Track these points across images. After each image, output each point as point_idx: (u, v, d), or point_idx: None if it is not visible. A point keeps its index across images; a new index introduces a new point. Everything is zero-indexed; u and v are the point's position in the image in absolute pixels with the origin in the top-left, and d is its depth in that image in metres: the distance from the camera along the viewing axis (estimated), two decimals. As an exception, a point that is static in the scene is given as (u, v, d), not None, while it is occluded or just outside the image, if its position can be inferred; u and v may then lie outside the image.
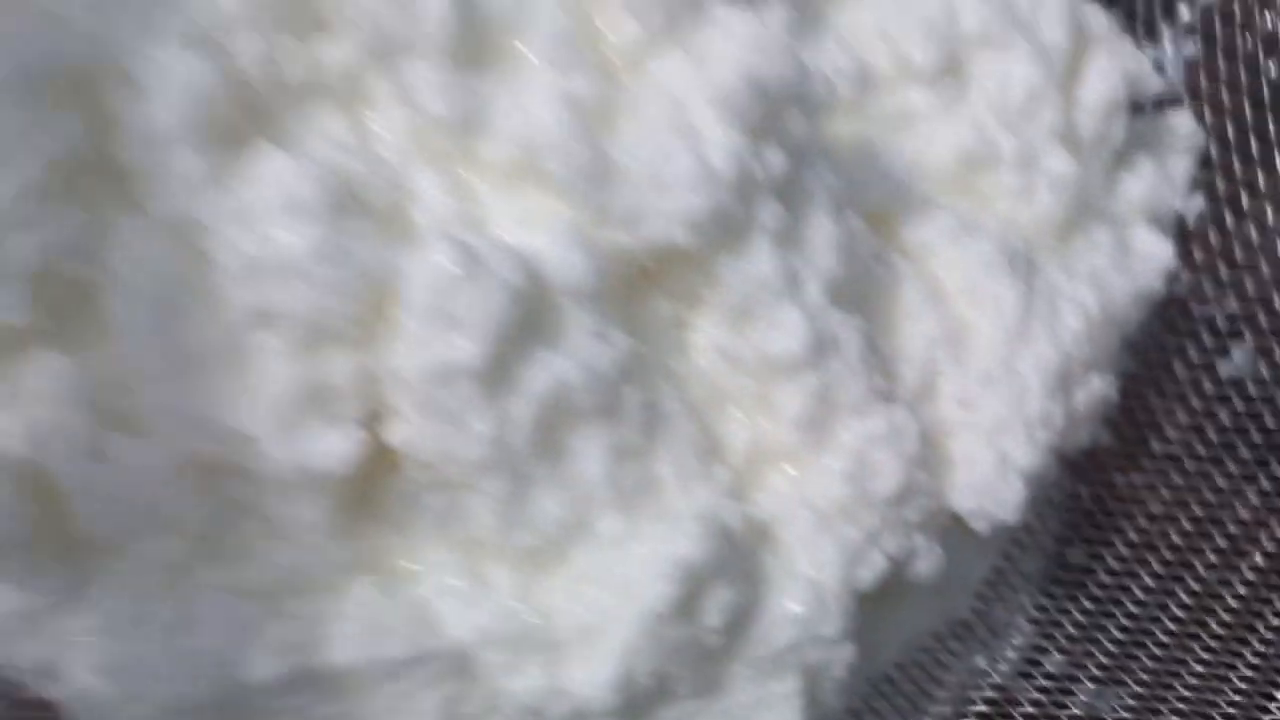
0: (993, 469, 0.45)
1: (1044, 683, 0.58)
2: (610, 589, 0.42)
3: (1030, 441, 0.46)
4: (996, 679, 0.59)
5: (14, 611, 0.40)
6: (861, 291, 0.45)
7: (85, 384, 0.39)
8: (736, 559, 0.42)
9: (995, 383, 0.45)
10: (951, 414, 0.46)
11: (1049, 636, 0.59)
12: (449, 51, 0.39)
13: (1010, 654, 0.59)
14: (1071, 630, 0.59)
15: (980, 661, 0.60)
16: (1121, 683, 0.58)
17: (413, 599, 0.43)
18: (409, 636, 0.42)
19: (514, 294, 0.38)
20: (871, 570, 0.43)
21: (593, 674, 0.42)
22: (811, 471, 0.43)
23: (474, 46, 0.40)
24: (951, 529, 0.46)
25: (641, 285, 0.42)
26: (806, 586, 0.43)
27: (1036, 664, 0.59)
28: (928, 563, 0.45)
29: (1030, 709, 0.58)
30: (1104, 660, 0.58)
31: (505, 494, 0.40)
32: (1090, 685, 0.58)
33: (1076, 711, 0.57)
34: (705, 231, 0.40)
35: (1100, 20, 0.54)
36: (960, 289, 0.46)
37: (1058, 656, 0.59)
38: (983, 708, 0.58)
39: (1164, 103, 0.59)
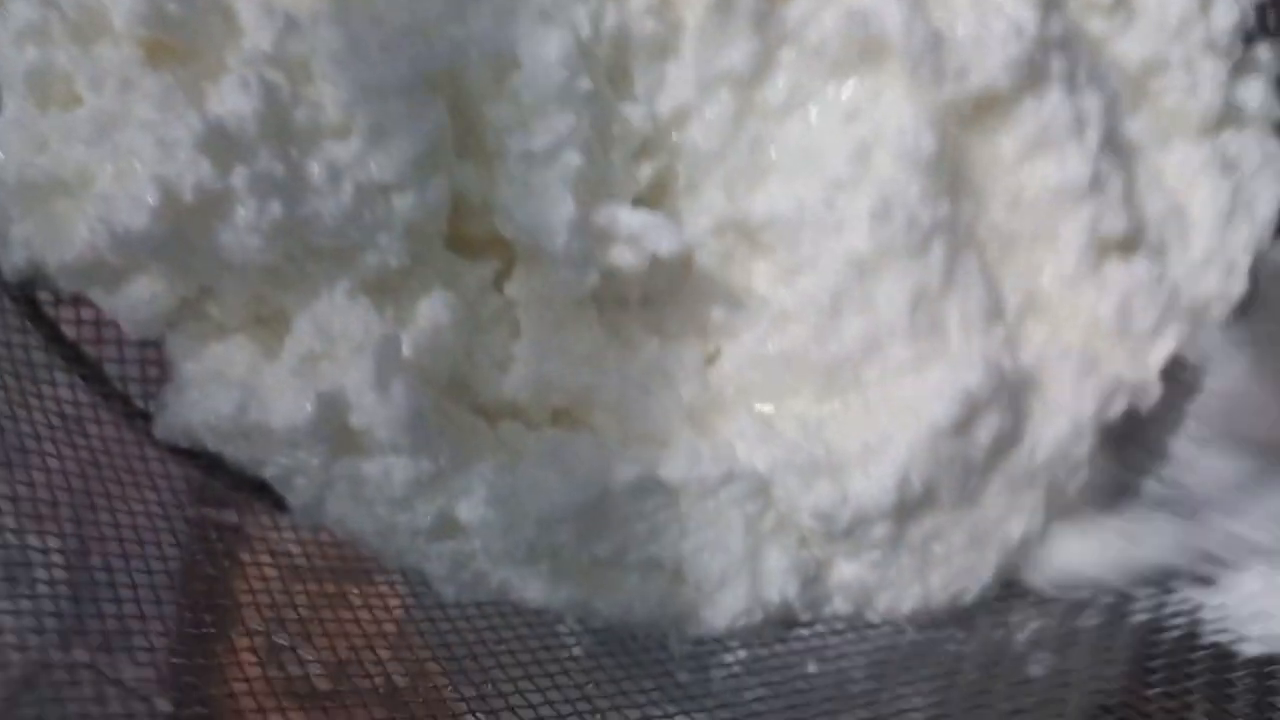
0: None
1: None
2: (897, 408, 0.51)
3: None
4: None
5: (409, 479, 0.48)
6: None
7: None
8: (1007, 394, 0.52)
9: (1214, 256, 0.56)
10: (1179, 276, 0.55)
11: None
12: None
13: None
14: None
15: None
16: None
17: (719, 440, 0.53)
18: (717, 463, 0.51)
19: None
20: (1119, 406, 0.53)
21: (877, 480, 0.51)
22: (1079, 316, 0.53)
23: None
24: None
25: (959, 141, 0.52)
26: (1065, 415, 0.52)
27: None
28: (1152, 398, 0.54)
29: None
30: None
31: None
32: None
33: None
34: (1018, 73, 0.52)
35: None
36: (1179, 181, 0.57)
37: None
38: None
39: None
